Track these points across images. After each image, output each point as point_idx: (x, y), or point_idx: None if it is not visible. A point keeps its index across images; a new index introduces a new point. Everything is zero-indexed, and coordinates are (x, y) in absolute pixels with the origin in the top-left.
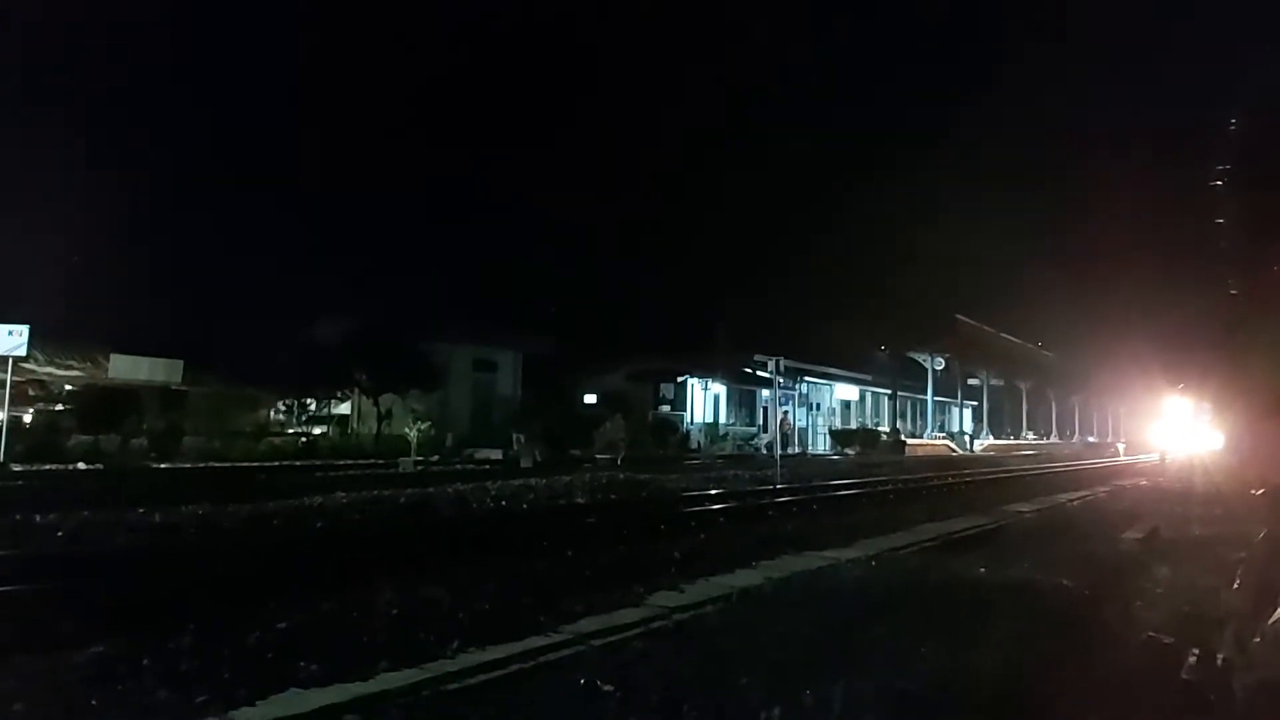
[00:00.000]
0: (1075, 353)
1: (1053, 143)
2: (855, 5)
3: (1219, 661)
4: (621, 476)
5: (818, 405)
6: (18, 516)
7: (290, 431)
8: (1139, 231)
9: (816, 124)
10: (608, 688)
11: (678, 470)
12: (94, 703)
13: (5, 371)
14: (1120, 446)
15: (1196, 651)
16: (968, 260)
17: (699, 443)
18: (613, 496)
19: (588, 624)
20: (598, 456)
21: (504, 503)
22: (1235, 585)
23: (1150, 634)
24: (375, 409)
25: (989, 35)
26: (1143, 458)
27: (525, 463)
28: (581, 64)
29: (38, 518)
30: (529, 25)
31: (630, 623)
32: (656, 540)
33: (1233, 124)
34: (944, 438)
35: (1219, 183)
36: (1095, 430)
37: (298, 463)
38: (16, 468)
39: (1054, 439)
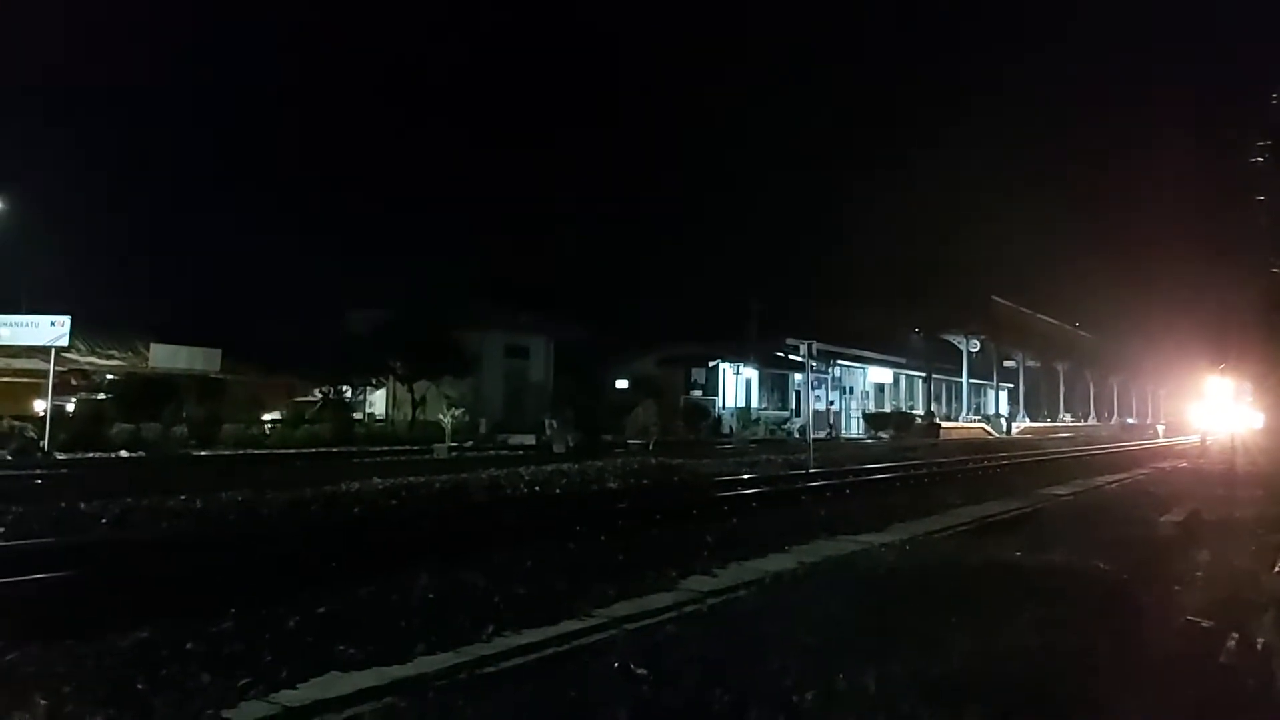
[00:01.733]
0: (1114, 333)
1: (1091, 123)
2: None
3: (1259, 646)
4: (654, 461)
5: (851, 389)
6: (63, 504)
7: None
8: (1178, 210)
9: (853, 108)
10: (641, 671)
11: (710, 455)
12: (139, 686)
13: (49, 361)
14: (1160, 428)
15: (1236, 636)
16: (1004, 241)
17: (731, 427)
18: (645, 481)
19: (621, 608)
20: (630, 442)
21: (537, 488)
22: (1276, 569)
23: (1189, 618)
24: (410, 396)
25: (1026, 13)
26: (1183, 439)
27: (558, 448)
28: (616, 52)
29: (82, 505)
30: (569, 13)
31: (663, 607)
32: (689, 525)
33: (1274, 99)
34: (979, 420)
35: (1259, 160)
36: (1134, 411)
37: (334, 449)
38: (60, 456)
39: (1092, 421)
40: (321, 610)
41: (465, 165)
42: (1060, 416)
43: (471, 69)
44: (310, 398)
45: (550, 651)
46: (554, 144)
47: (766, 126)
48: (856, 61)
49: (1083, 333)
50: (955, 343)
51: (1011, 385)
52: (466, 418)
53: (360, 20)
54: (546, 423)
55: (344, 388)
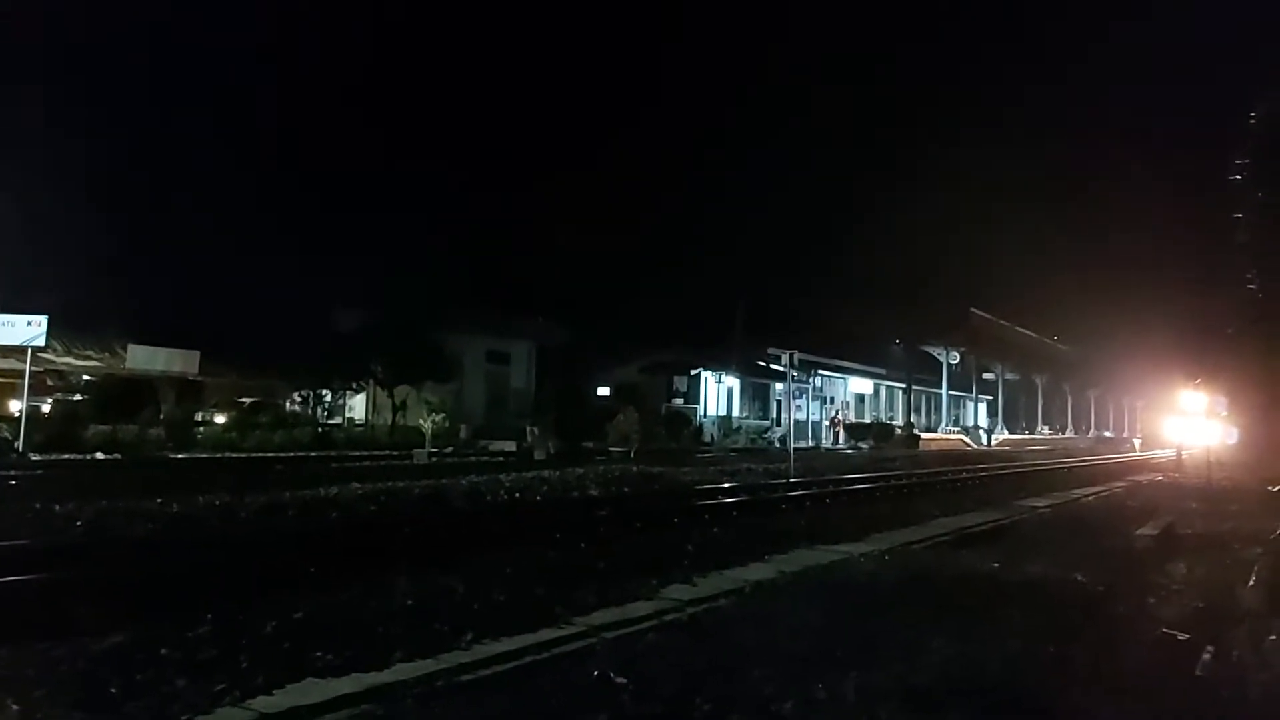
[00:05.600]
0: (1092, 346)
1: (1071, 137)
2: (880, 14)
3: (1234, 659)
4: (634, 469)
5: (831, 399)
6: (37, 505)
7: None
8: (1157, 225)
9: (837, 125)
10: (621, 680)
11: (691, 463)
12: (113, 690)
13: (24, 362)
14: (1136, 441)
15: (1211, 649)
16: (984, 254)
17: (712, 436)
18: (625, 489)
19: (601, 616)
20: (611, 449)
21: (517, 495)
22: (1250, 582)
23: (1164, 630)
24: (390, 400)
25: (1009, 29)
26: (1159, 453)
27: (539, 455)
28: (606, 63)
29: (56, 507)
30: (539, 22)
31: (643, 615)
32: (669, 533)
33: (1252, 118)
34: (959, 432)
35: (1238, 177)
36: (1111, 425)
37: (313, 453)
38: (35, 457)
39: (1070, 433)
40: (299, 616)
41: (450, 170)
42: (1038, 429)
43: (462, 74)
44: (247, 399)
45: (529, 659)
46: (540, 152)
47: (753, 139)
48: (844, 79)
49: (1061, 346)
50: (935, 354)
51: (990, 397)
52: (447, 423)
53: (346, 23)
54: (527, 429)
55: (323, 391)
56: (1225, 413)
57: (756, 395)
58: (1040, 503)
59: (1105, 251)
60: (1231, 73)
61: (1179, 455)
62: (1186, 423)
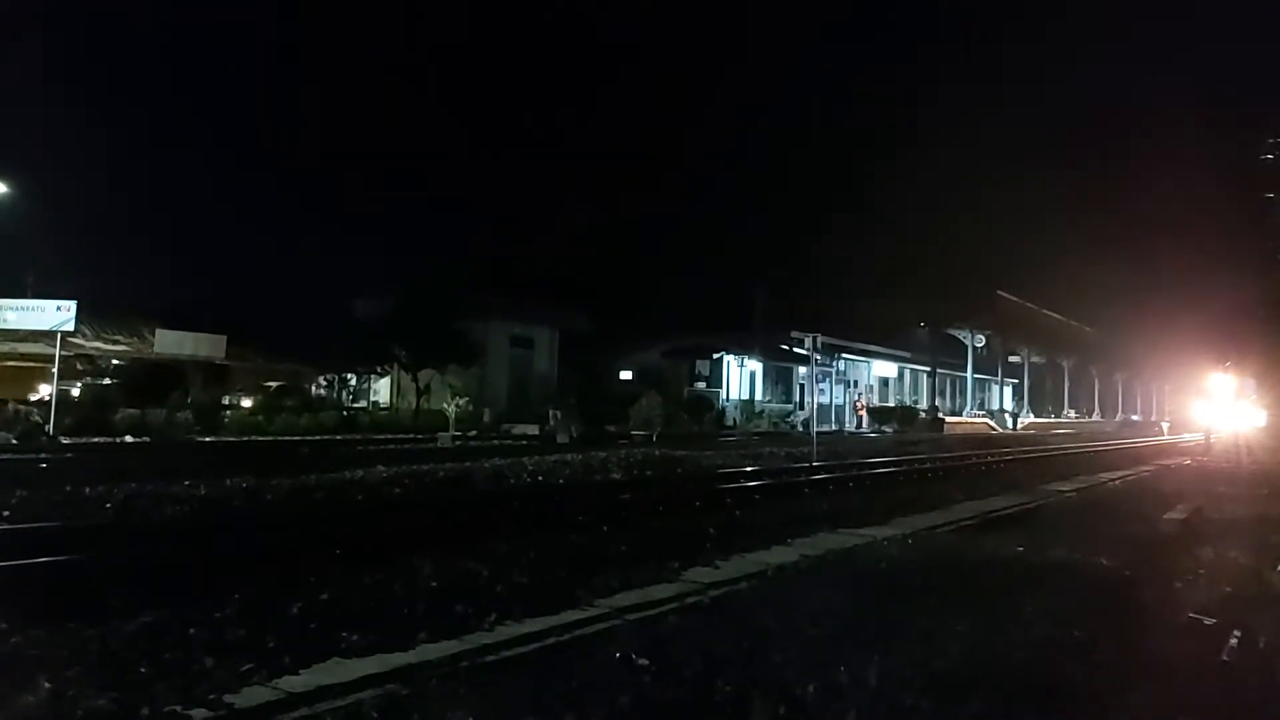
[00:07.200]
0: (1119, 329)
1: (1099, 117)
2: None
3: (1261, 644)
4: (657, 453)
5: (855, 382)
6: (67, 488)
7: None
8: (1186, 207)
9: (860, 103)
10: (643, 661)
11: (713, 447)
12: (143, 670)
13: (54, 346)
14: (1164, 425)
15: (1238, 634)
16: (1011, 237)
17: (735, 420)
18: (648, 473)
19: (623, 599)
20: (633, 433)
21: (540, 478)
22: (1279, 567)
23: (1191, 615)
24: (414, 384)
25: (1036, 10)
26: (1187, 437)
27: (561, 439)
28: (621, 45)
29: (87, 489)
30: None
31: (665, 598)
32: (692, 517)
33: None
34: (984, 415)
35: (1269, 156)
36: (1139, 408)
37: (338, 437)
38: (65, 440)
39: (1096, 417)
40: (324, 597)
41: (472, 156)
42: (1065, 412)
43: (478, 60)
44: (273, 383)
45: (552, 641)
46: (561, 135)
47: (774, 120)
48: (865, 55)
49: (1088, 329)
50: (960, 338)
51: (1016, 380)
52: (470, 407)
53: (365, 9)
54: (550, 413)
55: (348, 374)
56: (1254, 396)
57: (779, 379)
58: (1066, 487)
59: (1134, 234)
60: (1263, 51)
61: (1207, 439)
62: (1215, 406)
